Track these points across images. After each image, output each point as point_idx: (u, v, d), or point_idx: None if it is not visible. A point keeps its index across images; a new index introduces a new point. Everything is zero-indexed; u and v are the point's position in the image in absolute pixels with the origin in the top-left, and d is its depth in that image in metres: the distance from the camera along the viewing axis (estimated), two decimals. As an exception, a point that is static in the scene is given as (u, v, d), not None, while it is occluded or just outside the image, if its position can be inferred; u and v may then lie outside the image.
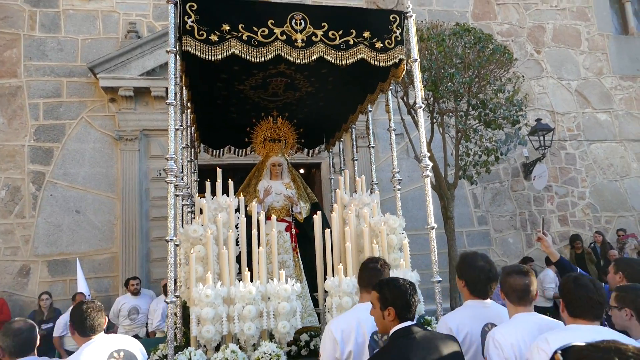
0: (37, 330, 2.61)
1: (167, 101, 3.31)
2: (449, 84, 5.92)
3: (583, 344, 1.04)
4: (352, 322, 2.45)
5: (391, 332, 2.17)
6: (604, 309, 2.15)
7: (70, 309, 6.24)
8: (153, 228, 7.75)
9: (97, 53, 8.00)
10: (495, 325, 2.52)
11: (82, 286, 6.62)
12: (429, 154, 3.68)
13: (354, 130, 5.52)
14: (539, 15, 10.48)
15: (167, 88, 7.66)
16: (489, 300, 2.67)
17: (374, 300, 2.25)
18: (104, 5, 8.34)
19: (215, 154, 6.17)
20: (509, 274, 2.42)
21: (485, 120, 6.11)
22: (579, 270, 3.26)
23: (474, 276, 2.59)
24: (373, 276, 2.56)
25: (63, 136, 7.81)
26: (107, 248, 7.57)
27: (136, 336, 6.25)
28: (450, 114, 6.58)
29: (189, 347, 2.93)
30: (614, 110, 10.45)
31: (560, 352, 0.98)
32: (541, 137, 8.85)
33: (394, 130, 4.40)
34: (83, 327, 2.46)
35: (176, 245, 3.34)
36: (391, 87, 4.64)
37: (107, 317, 2.62)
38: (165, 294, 6.44)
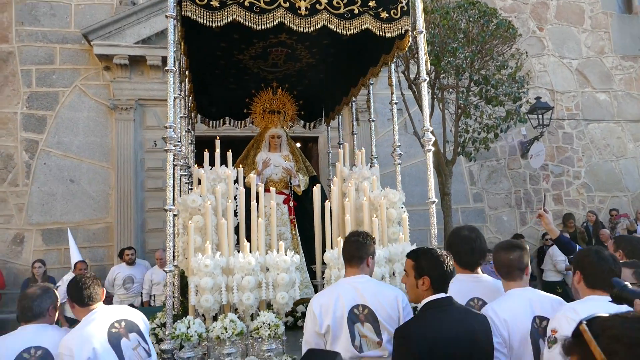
0: (52, 297, 2.56)
1: (166, 68, 3.22)
2: (452, 58, 5.82)
3: (607, 314, 1.03)
4: (332, 296, 2.41)
5: (424, 301, 2.15)
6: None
7: (68, 280, 6.29)
8: (148, 199, 7.72)
9: (91, 19, 7.79)
10: (482, 300, 2.51)
11: (75, 255, 6.60)
12: (431, 128, 3.63)
13: (354, 103, 5.45)
14: (543, -9, 10.29)
15: (163, 57, 7.57)
16: (480, 275, 2.63)
17: (408, 268, 2.22)
18: (98, -31, 8.07)
19: (212, 125, 6.08)
20: (498, 249, 2.42)
21: (486, 96, 6.05)
22: (577, 247, 3.27)
23: (458, 246, 2.57)
24: (357, 249, 2.51)
25: (56, 104, 7.66)
26: (101, 218, 7.53)
27: (131, 305, 6.29)
28: (451, 89, 6.50)
29: (188, 316, 2.93)
30: (613, 91, 10.40)
31: (585, 322, 0.97)
32: (540, 116, 8.80)
33: (395, 104, 4.33)
34: (81, 298, 2.45)
35: (174, 215, 3.30)
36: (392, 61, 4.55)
37: (104, 289, 2.60)
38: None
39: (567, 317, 1.98)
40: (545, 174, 9.64)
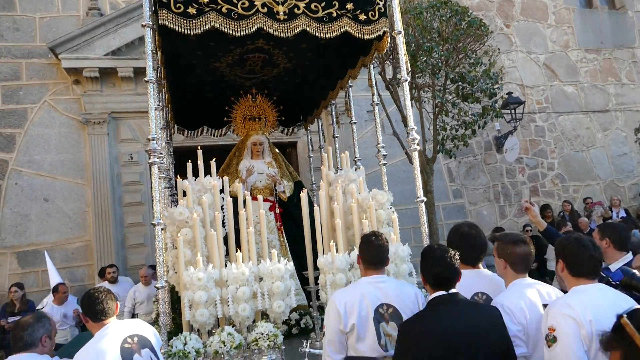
0: (46, 325, 2.46)
1: (145, 78, 3.14)
2: (427, 57, 5.88)
3: None
4: (356, 296, 2.45)
5: (430, 297, 2.22)
6: (601, 268, 2.23)
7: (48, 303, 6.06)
8: (127, 214, 7.53)
9: (57, 32, 7.57)
10: (486, 294, 2.54)
11: (54, 277, 6.37)
12: (415, 127, 3.65)
13: (333, 107, 5.44)
14: (508, -12, 10.54)
15: (134, 68, 7.43)
16: (482, 269, 2.70)
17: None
18: (61, -19, 7.86)
19: (190, 135, 5.98)
20: (515, 243, 2.43)
21: (463, 93, 6.14)
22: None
23: (459, 243, 2.61)
24: (383, 252, 2.59)
25: (25, 121, 7.41)
26: (79, 236, 7.31)
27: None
28: (427, 88, 6.57)
29: (183, 333, 2.85)
30: (579, 83, 10.72)
31: (626, 316, 0.96)
32: (512, 111, 9.00)
33: (377, 105, 4.34)
34: (95, 313, 2.42)
35: (162, 229, 3.21)
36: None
37: (118, 303, 2.57)
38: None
39: (562, 314, 1.98)
40: (520, 167, 9.85)
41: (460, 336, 2.03)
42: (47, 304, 6.15)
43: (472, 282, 2.55)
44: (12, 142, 7.32)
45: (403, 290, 2.54)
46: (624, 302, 1.97)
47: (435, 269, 2.20)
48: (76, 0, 7.87)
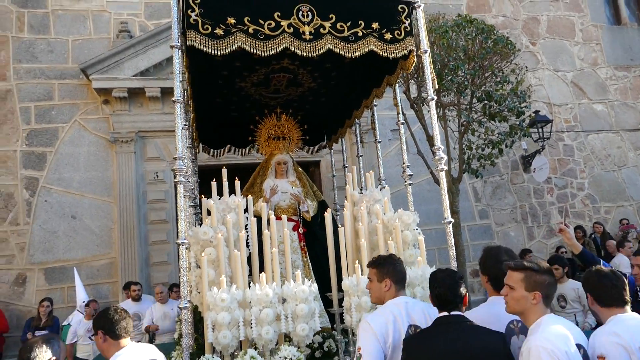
0: (54, 348, 2.42)
1: (173, 98, 3.18)
2: (452, 76, 5.82)
3: None
4: (389, 318, 2.47)
5: (435, 317, 2.32)
6: (627, 294, 2.25)
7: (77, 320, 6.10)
8: (151, 231, 7.60)
9: (88, 54, 7.81)
10: (522, 322, 2.41)
11: (81, 294, 6.44)
12: (442, 147, 3.58)
13: (357, 126, 5.42)
14: (533, 7, 10.46)
15: (162, 88, 7.58)
16: None
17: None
18: (94, 4, 8.14)
19: (214, 154, 6.03)
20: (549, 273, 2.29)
21: (490, 112, 6.03)
22: (602, 261, 3.18)
23: (498, 271, 2.47)
24: (404, 270, 2.69)
25: (56, 140, 7.61)
26: (105, 253, 7.40)
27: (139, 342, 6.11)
28: (452, 107, 6.49)
29: (206, 355, 2.80)
30: (609, 101, 10.46)
31: None
32: (540, 129, 8.81)
33: (402, 124, 4.30)
34: (114, 331, 2.42)
35: (186, 248, 3.20)
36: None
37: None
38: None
39: (611, 342, 1.97)
40: (549, 187, 9.60)
41: (456, 356, 2.12)
42: (75, 319, 6.21)
43: (504, 309, 2.43)
44: (43, 160, 7.52)
45: (426, 310, 2.56)
46: None
47: (437, 290, 2.34)
48: (107, 23, 8.13)
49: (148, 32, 7.80)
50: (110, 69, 7.54)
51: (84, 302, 6.13)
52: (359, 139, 5.43)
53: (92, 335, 2.74)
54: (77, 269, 6.76)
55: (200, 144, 5.87)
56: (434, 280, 2.39)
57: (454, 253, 3.43)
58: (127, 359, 2.35)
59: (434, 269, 3.37)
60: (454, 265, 3.44)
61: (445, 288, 2.31)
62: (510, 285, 2.16)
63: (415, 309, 2.54)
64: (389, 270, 2.61)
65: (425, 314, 2.53)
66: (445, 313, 2.29)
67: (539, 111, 8.97)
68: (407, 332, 2.42)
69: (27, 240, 7.20)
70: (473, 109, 6.30)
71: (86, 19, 8.07)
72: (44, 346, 2.35)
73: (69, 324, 6.25)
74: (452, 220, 3.47)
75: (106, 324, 2.44)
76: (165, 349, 3.65)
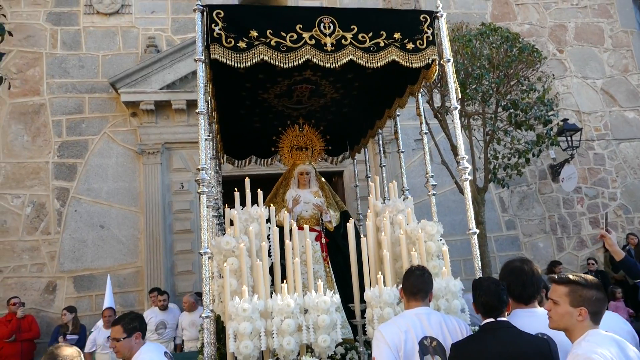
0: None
1: (196, 110, 3.24)
2: (477, 85, 5.75)
3: None
4: (402, 328, 2.47)
5: (482, 323, 2.37)
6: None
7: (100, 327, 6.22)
8: (177, 241, 7.71)
9: (117, 68, 8.05)
10: (546, 335, 2.35)
11: (109, 301, 6.56)
12: (466, 157, 3.53)
13: (380, 136, 5.40)
14: (560, 14, 10.27)
15: (187, 100, 7.73)
16: (537, 308, 2.52)
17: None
18: (123, 21, 8.40)
19: (238, 164, 6.09)
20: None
21: (516, 121, 5.93)
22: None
23: (509, 278, 2.54)
24: (425, 283, 2.65)
25: (86, 152, 7.84)
26: (131, 262, 7.54)
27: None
28: (477, 116, 6.41)
29: (228, 364, 2.81)
30: (642, 108, 10.14)
31: None
32: (569, 138, 8.61)
33: (425, 134, 4.26)
34: (144, 332, 3.03)
35: (209, 258, 3.23)
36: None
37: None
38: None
39: None
40: (579, 197, 9.34)
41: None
42: (98, 327, 6.33)
43: (528, 322, 2.39)
44: (73, 171, 7.74)
45: (445, 322, 2.56)
46: None
47: (482, 298, 2.37)
48: (136, 39, 8.36)
49: (174, 47, 7.99)
50: (138, 82, 7.75)
51: (109, 308, 6.25)
52: (381, 149, 5.40)
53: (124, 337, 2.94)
54: (104, 277, 6.89)
55: (225, 155, 5.95)
56: (479, 288, 2.42)
57: (479, 264, 3.36)
58: (150, 349, 2.78)
59: (458, 280, 3.33)
60: (479, 275, 3.37)
61: (490, 295, 2.35)
62: (554, 300, 2.07)
63: (432, 320, 2.53)
64: (403, 283, 2.68)
65: (443, 325, 2.52)
66: (491, 319, 2.33)
67: (567, 119, 8.77)
68: (421, 343, 2.42)
69: (58, 249, 7.41)
70: (499, 117, 6.19)
71: (115, 34, 8.33)
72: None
73: (94, 330, 6.37)
74: (477, 230, 3.41)
75: (142, 326, 2.96)
76: (188, 358, 3.68)
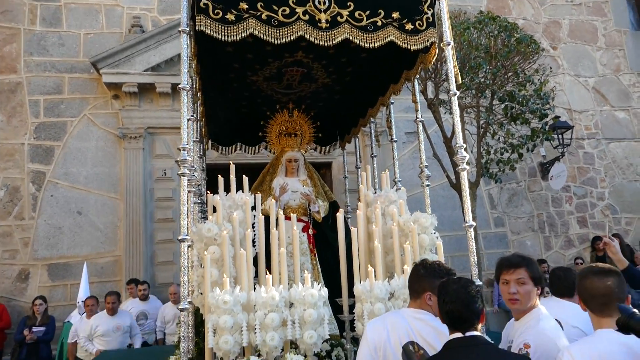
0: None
1: (179, 85, 3.00)
2: (473, 75, 5.58)
3: None
4: (387, 327, 2.21)
5: (447, 340, 1.89)
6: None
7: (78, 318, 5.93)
8: (157, 230, 7.45)
9: (99, 48, 7.71)
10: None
11: (84, 291, 6.27)
12: (465, 145, 3.34)
13: (372, 125, 5.20)
14: (555, 10, 10.18)
15: (172, 84, 7.42)
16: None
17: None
18: (106, -1, 8.05)
19: (223, 151, 5.84)
20: (587, 274, 1.99)
21: (512, 114, 5.77)
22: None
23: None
24: (413, 281, 2.35)
25: (64, 134, 7.50)
26: (110, 251, 7.25)
27: (145, 343, 5.92)
28: (470, 109, 6.24)
29: (205, 361, 2.59)
30: (632, 108, 10.12)
31: None
32: (560, 136, 8.52)
33: (421, 120, 4.07)
34: None
35: (188, 246, 3.01)
36: (406, 83, 4.31)
37: None
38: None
39: None
40: (567, 195, 9.28)
41: None
42: (75, 318, 6.05)
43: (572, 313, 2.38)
44: (50, 154, 7.41)
45: (435, 333, 2.15)
46: None
47: (448, 306, 1.87)
48: (120, 18, 8.02)
49: (160, 27, 7.68)
50: (121, 63, 7.43)
51: (82, 301, 5.96)
52: (373, 138, 5.20)
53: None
54: (80, 266, 6.61)
55: (210, 141, 5.69)
56: (445, 293, 1.90)
57: (475, 259, 3.19)
58: None
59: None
60: (474, 272, 3.21)
61: (459, 303, 1.84)
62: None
63: (424, 328, 2.18)
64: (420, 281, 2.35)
65: (433, 334, 2.15)
66: (459, 334, 1.84)
67: (559, 117, 8.68)
68: (407, 348, 2.08)
69: (32, 235, 7.09)
70: (493, 110, 6.03)
71: (98, 12, 7.98)
72: None
73: (69, 321, 6.09)
74: (474, 224, 3.24)
75: None
76: (165, 352, 3.45)
